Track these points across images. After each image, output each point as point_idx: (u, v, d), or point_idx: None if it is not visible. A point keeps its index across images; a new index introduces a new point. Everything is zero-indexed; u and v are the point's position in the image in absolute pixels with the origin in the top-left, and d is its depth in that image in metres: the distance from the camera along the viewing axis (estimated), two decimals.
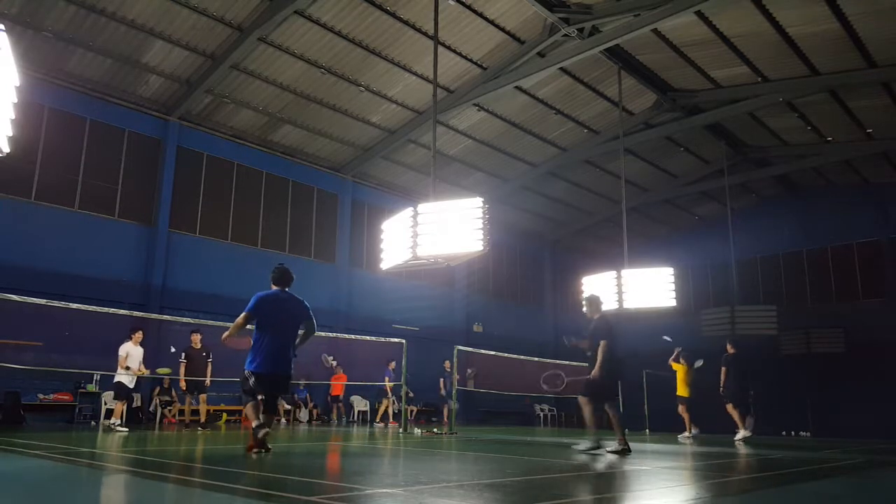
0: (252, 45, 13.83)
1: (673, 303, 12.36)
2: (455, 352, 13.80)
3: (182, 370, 12.08)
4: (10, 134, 5.43)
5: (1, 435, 8.05)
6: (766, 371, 19.25)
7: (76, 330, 11.63)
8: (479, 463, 6.61)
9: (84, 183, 14.51)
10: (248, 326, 6.49)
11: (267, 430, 6.07)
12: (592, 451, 7.55)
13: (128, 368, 10.81)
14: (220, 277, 15.93)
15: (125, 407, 11.14)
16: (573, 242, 26.50)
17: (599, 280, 12.85)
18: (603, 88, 16.58)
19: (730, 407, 12.20)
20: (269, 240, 17.50)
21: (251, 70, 14.80)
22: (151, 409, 14.53)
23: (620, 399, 17.48)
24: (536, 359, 17.61)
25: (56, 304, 10.44)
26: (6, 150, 5.48)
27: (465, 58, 15.04)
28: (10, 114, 5.36)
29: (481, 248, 8.28)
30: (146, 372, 11.55)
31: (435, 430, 13.41)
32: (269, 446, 6.31)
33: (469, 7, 13.44)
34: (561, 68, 15.13)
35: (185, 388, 12.43)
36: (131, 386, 11.19)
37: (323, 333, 12.33)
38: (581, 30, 13.44)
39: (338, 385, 16.69)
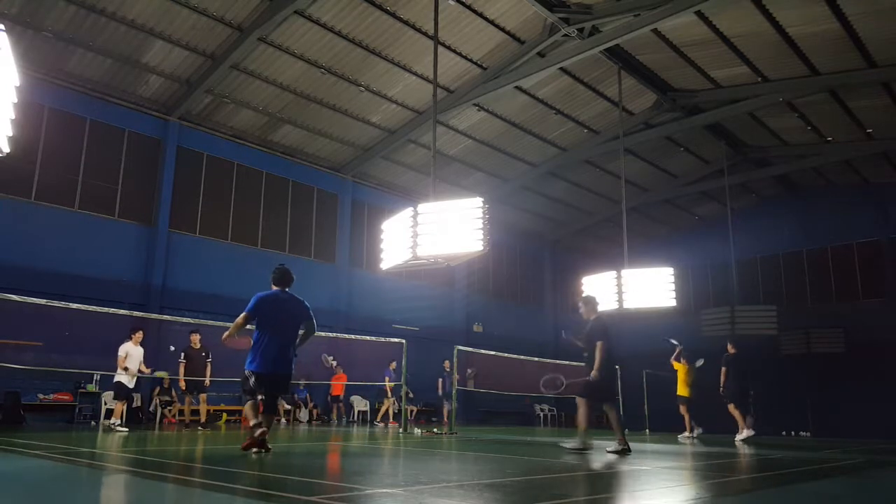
0: (252, 45, 13.83)
1: (673, 303, 12.36)
2: (455, 352, 13.79)
3: (181, 370, 12.09)
4: (10, 134, 5.43)
5: (1, 435, 8.05)
6: (766, 371, 19.25)
7: (76, 330, 11.63)
8: (479, 463, 6.61)
9: (84, 183, 14.51)
10: (249, 326, 6.50)
11: (264, 430, 6.08)
12: (579, 451, 7.57)
13: (126, 369, 10.80)
14: (220, 277, 15.94)
15: (125, 407, 11.14)
16: (573, 242, 26.50)
17: (599, 280, 12.85)
18: (603, 88, 16.58)
19: (731, 407, 12.20)
20: (269, 240, 17.50)
21: (251, 70, 14.80)
22: (151, 409, 14.53)
23: (620, 399, 17.63)
24: (536, 359, 17.58)
25: (56, 304, 10.44)
26: (6, 150, 5.48)
27: (465, 58, 15.04)
28: (10, 114, 5.36)
29: (481, 248, 8.28)
30: (149, 371, 11.56)
31: (435, 430, 13.41)
32: (269, 446, 6.32)
33: (469, 7, 13.44)
34: (561, 68, 15.13)
35: (184, 389, 12.44)
36: (131, 386, 11.19)
37: (323, 333, 12.33)
38: (581, 30, 13.44)
39: (338, 385, 16.69)
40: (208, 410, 14.62)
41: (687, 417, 13.91)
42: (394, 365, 15.28)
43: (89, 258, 14.16)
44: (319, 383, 17.02)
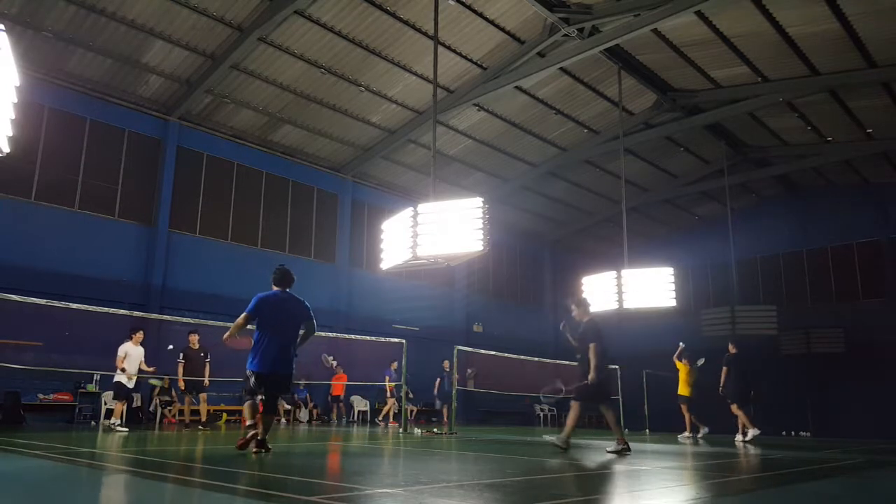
0: (252, 45, 13.83)
1: (673, 303, 12.36)
2: (455, 352, 13.79)
3: (180, 370, 12.10)
4: (10, 134, 5.43)
5: (1, 435, 8.05)
6: (766, 371, 19.25)
7: (76, 330, 11.63)
8: (479, 463, 6.61)
9: (84, 183, 14.51)
10: (249, 327, 6.53)
11: (255, 432, 6.19)
12: (558, 447, 7.57)
13: (123, 370, 10.80)
14: (220, 277, 15.94)
15: (125, 407, 11.14)
16: (573, 242, 26.50)
17: (599, 280, 12.85)
18: (603, 88, 16.58)
19: (734, 408, 12.19)
20: (269, 240, 17.50)
21: (251, 70, 14.80)
22: (151, 409, 14.52)
23: (620, 398, 17.63)
24: (536, 359, 17.59)
25: (56, 304, 10.44)
26: (6, 150, 5.48)
27: (465, 58, 15.04)
28: (10, 114, 5.36)
29: (481, 248, 8.28)
30: (152, 370, 11.58)
31: (435, 430, 13.41)
32: (269, 446, 6.34)
33: (469, 7, 13.44)
34: (561, 68, 15.13)
35: (183, 389, 12.45)
36: (130, 386, 11.19)
37: (323, 333, 12.33)
38: (581, 30, 13.44)
39: (338, 385, 16.70)
40: (208, 410, 14.65)
41: (687, 417, 13.91)
42: (395, 365, 15.28)
43: (89, 258, 14.16)
44: (319, 383, 17.02)
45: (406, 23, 13.76)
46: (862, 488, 5.53)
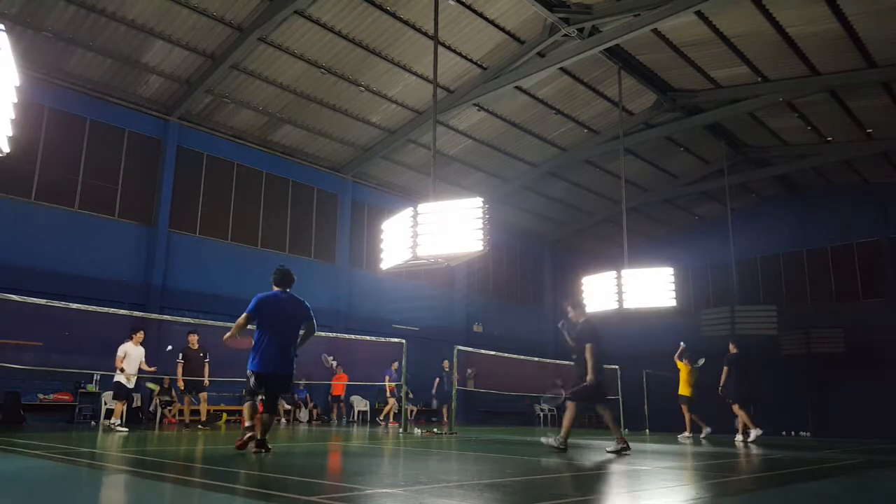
0: (252, 45, 13.83)
1: (673, 303, 12.35)
2: (455, 352, 13.79)
3: (179, 370, 12.10)
4: (10, 134, 5.43)
5: (1, 435, 8.05)
6: (767, 371, 19.27)
7: (76, 330, 11.63)
8: (479, 463, 6.61)
9: (84, 183, 14.51)
10: (250, 327, 6.55)
11: (252, 434, 6.24)
12: (556, 448, 7.58)
13: (122, 370, 10.80)
14: (220, 277, 15.94)
15: (125, 407, 11.14)
16: (573, 242, 26.50)
17: (599, 280, 12.85)
18: (603, 88, 16.58)
19: (736, 408, 12.17)
20: (269, 240, 17.50)
21: (251, 70, 14.80)
22: (151, 409, 14.52)
23: (620, 398, 17.62)
24: (536, 359, 17.59)
25: (56, 304, 10.45)
26: (6, 150, 5.47)
27: (465, 58, 15.04)
28: (10, 114, 5.35)
29: (481, 248, 8.28)
30: (152, 370, 11.59)
31: (435, 430, 13.41)
32: (269, 446, 6.35)
33: (469, 7, 13.44)
34: (561, 68, 15.13)
35: (182, 389, 12.46)
36: (130, 386, 11.19)
37: (323, 333, 12.33)
38: (581, 30, 13.44)
39: (339, 385, 16.70)
40: (208, 410, 14.64)
41: (688, 417, 13.91)
42: (395, 365, 15.27)
43: (89, 258, 14.15)
44: (319, 383, 17.02)
45: (406, 23, 13.75)
46: (862, 488, 5.53)
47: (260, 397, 6.57)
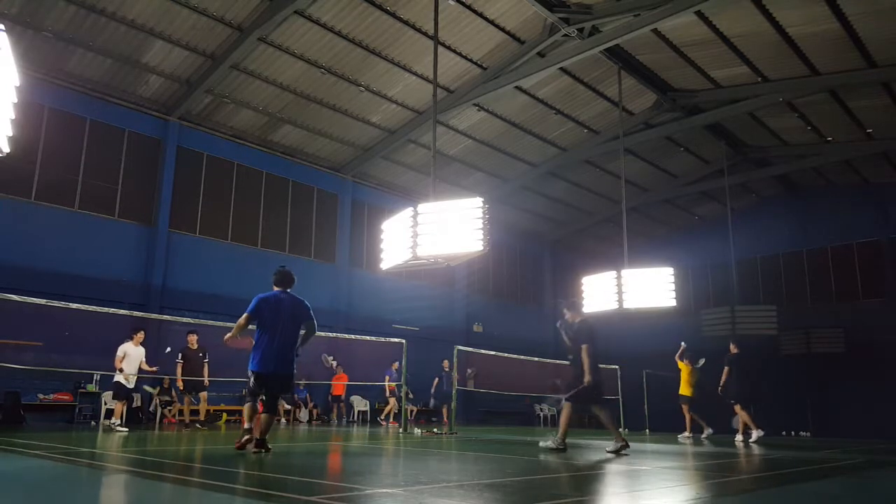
0: (252, 45, 13.83)
1: (673, 303, 12.35)
2: (455, 352, 13.79)
3: (178, 370, 12.09)
4: (10, 134, 5.43)
5: (1, 435, 8.05)
6: (767, 371, 19.26)
7: (76, 330, 11.62)
8: (479, 463, 6.61)
9: (84, 183, 14.51)
10: (251, 327, 6.57)
11: (249, 437, 6.27)
12: (554, 450, 7.59)
13: (121, 370, 10.79)
14: (220, 277, 15.94)
15: (125, 407, 11.14)
16: (573, 242, 26.50)
17: (599, 280, 12.85)
18: (603, 88, 16.58)
19: (738, 409, 12.16)
20: (269, 240, 17.50)
21: (251, 70, 14.80)
22: (151, 409, 14.52)
23: (620, 399, 17.61)
24: (536, 359, 17.59)
25: (56, 304, 10.44)
26: (6, 150, 5.47)
27: (465, 58, 15.04)
28: (10, 114, 5.35)
29: (481, 248, 8.28)
30: (154, 369, 11.61)
31: (435, 430, 13.41)
32: (269, 446, 6.36)
33: (469, 7, 13.44)
34: (561, 68, 15.13)
35: (181, 388, 12.47)
36: (130, 386, 11.19)
37: (323, 333, 12.32)
38: (581, 30, 13.44)
39: (339, 385, 16.70)
40: (208, 410, 14.63)
41: (688, 417, 13.91)
42: (396, 365, 15.25)
43: (89, 258, 14.16)
44: (319, 383, 17.03)
45: (406, 23, 13.76)
46: (862, 488, 5.53)
47: (261, 398, 6.58)
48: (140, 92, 15.20)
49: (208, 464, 5.90)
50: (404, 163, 19.43)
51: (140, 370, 11.20)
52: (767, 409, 16.46)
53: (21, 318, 11.06)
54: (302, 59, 14.56)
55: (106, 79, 14.55)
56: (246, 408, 6.61)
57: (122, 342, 11.03)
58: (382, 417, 16.62)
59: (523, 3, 13.07)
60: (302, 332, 6.62)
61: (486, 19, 13.85)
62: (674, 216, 25.02)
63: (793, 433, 20.08)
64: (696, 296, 24.44)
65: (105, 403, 12.86)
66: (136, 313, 12.32)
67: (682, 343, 14.22)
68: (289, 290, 6.71)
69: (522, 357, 16.99)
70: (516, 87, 15.91)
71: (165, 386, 14.49)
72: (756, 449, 10.17)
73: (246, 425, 6.43)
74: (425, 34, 13.89)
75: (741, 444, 11.44)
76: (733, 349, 12.63)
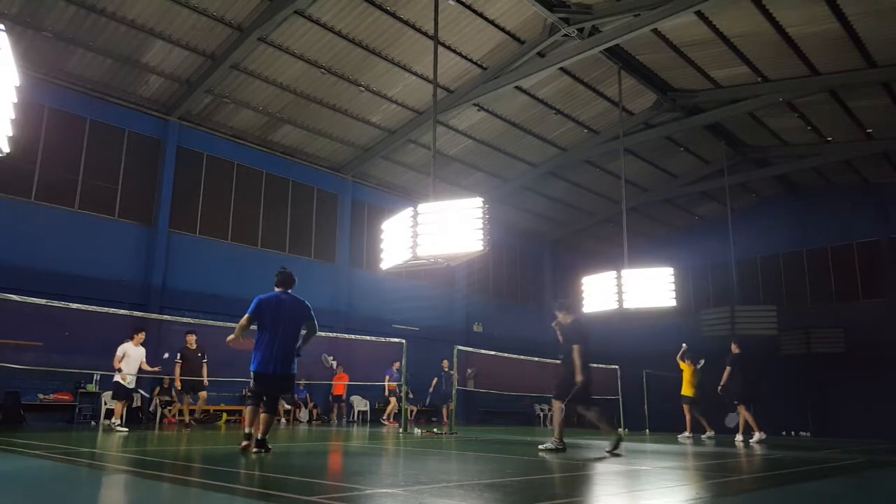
0: (252, 45, 13.83)
1: (673, 303, 12.36)
2: (455, 352, 13.79)
3: (177, 370, 12.08)
4: (10, 134, 5.43)
5: (1, 435, 8.05)
6: (767, 371, 19.26)
7: (76, 330, 11.63)
8: (479, 463, 6.62)
9: (84, 183, 14.50)
10: (252, 327, 6.59)
11: (247, 443, 6.27)
12: (553, 451, 7.60)
13: (119, 370, 10.79)
14: (220, 277, 15.94)
15: (125, 407, 11.14)
16: (573, 242, 26.50)
17: (599, 280, 12.86)
18: (603, 88, 16.58)
19: (742, 409, 12.13)
20: (269, 240, 17.49)
21: (251, 70, 14.79)
22: (151, 409, 14.52)
23: (620, 399, 17.60)
24: (536, 359, 17.59)
25: (56, 304, 10.44)
26: (6, 150, 5.47)
27: (465, 58, 15.04)
28: (10, 114, 5.35)
29: (481, 248, 8.28)
30: (156, 369, 11.61)
31: (435, 430, 13.41)
32: (269, 446, 6.36)
33: (469, 7, 13.44)
34: (561, 68, 15.13)
35: (180, 388, 12.46)
36: (131, 386, 11.18)
37: (323, 333, 12.31)
38: (581, 30, 13.44)
39: (340, 385, 16.70)
40: (208, 410, 14.64)
41: (688, 418, 13.90)
42: (397, 365, 15.24)
43: (89, 258, 14.15)
44: (319, 383, 17.03)
45: (406, 23, 13.75)
46: (862, 488, 5.53)
47: (263, 398, 6.57)
48: (140, 92, 15.19)
49: (208, 464, 5.90)
50: (404, 163, 19.43)
51: (140, 370, 11.20)
52: (767, 409, 16.46)
53: (21, 318, 11.06)
54: (302, 59, 14.56)
55: (106, 79, 14.54)
56: (247, 411, 6.58)
57: (122, 342, 11.02)
58: (384, 417, 16.62)
59: (523, 3, 13.07)
60: (303, 332, 6.65)
61: (486, 19, 13.85)
62: (674, 216, 25.02)
63: (793, 433, 20.09)
64: (696, 296, 24.44)
65: (105, 403, 12.86)
66: (136, 313, 12.32)
67: (684, 344, 14.23)
68: (289, 291, 6.74)
69: (522, 357, 16.99)
70: (516, 87, 15.91)
71: (165, 386, 14.50)
72: (756, 449, 10.18)
73: (246, 429, 6.41)
74: (425, 34, 13.89)
75: (741, 444, 11.44)
76: (735, 349, 12.63)
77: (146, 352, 11.27)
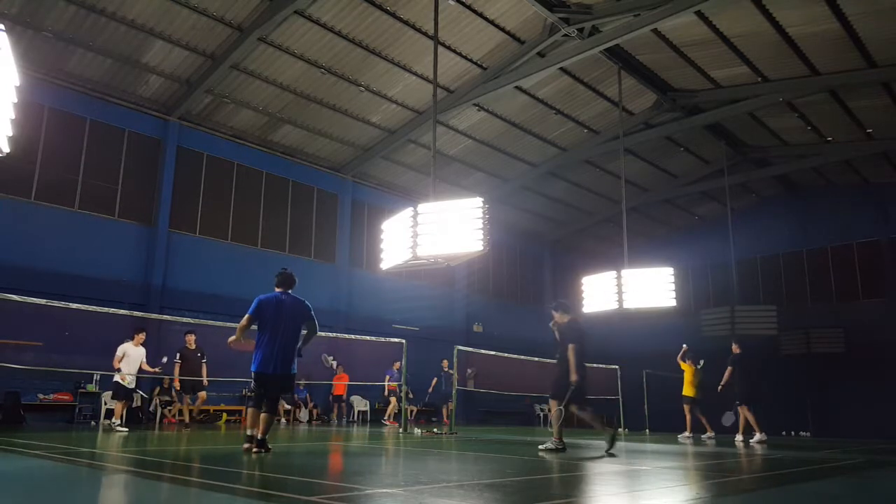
0: (252, 45, 13.83)
1: (673, 303, 12.35)
2: (455, 352, 13.80)
3: (176, 370, 12.08)
4: (10, 134, 5.43)
5: (1, 435, 8.05)
6: (767, 371, 19.26)
7: (76, 330, 11.63)
8: (479, 463, 6.62)
9: (84, 183, 14.51)
10: (253, 327, 6.61)
11: (248, 446, 6.27)
12: (553, 451, 7.61)
13: (118, 370, 10.79)
14: (220, 277, 15.94)
15: (125, 407, 11.13)
16: (573, 242, 26.50)
17: (599, 280, 12.86)
18: (603, 88, 16.58)
19: (745, 409, 12.11)
20: (269, 240, 17.49)
21: (251, 70, 14.79)
22: (151, 409, 14.53)
23: (620, 399, 17.60)
24: (536, 359, 17.59)
25: (56, 304, 10.44)
26: (6, 150, 5.47)
27: (465, 58, 15.04)
28: (10, 114, 5.35)
29: (481, 248, 8.28)
30: (157, 370, 11.59)
31: (435, 430, 13.41)
32: (269, 446, 6.37)
33: (469, 7, 13.44)
34: (561, 68, 15.13)
35: (178, 388, 12.45)
36: (131, 386, 11.18)
37: (323, 333, 12.28)
38: (581, 30, 13.44)
39: (340, 385, 16.70)
40: (208, 410, 14.64)
41: (689, 418, 13.90)
42: (398, 365, 15.23)
43: (89, 258, 14.15)
44: (319, 383, 17.03)
45: (406, 23, 13.75)
46: (862, 488, 5.53)
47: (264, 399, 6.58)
48: (140, 92, 15.19)
49: (208, 464, 5.90)
50: (404, 163, 19.43)
51: (140, 371, 11.20)
52: (767, 409, 16.46)
53: (21, 318, 11.06)
54: (302, 59, 14.56)
55: (106, 79, 14.54)
56: (249, 413, 6.59)
57: (122, 342, 11.02)
58: (386, 418, 16.61)
59: (523, 3, 13.07)
60: (303, 332, 6.66)
61: (486, 19, 13.85)
62: (674, 216, 25.02)
63: (793, 433, 20.09)
64: (696, 296, 24.45)
65: (105, 403, 12.86)
66: (136, 313, 12.31)
67: (684, 345, 14.23)
68: (290, 292, 6.76)
69: (522, 357, 16.99)
70: (516, 87, 15.91)
71: (165, 386, 14.50)
72: (756, 449, 10.17)
73: (248, 432, 6.41)
74: (425, 34, 13.89)
75: (741, 444, 11.43)
76: (736, 349, 12.61)
77: (146, 352, 11.27)
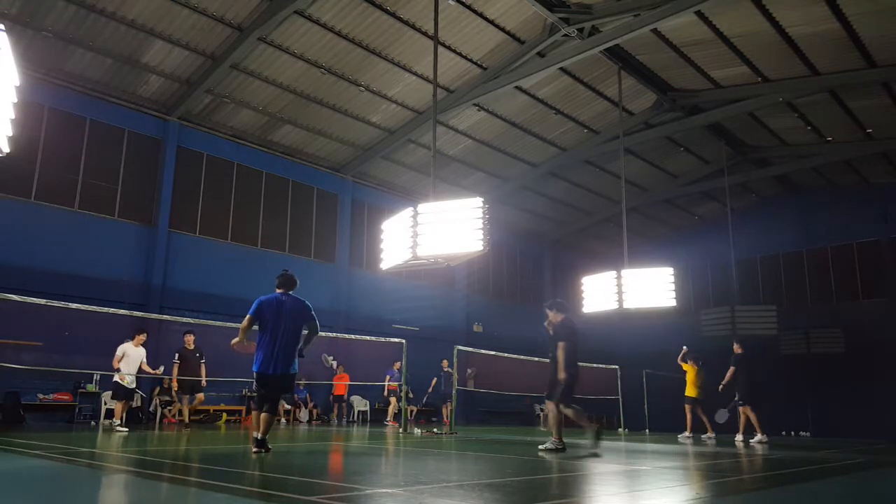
0: (252, 45, 13.83)
1: (673, 303, 12.35)
2: (455, 352, 13.80)
3: (175, 371, 12.06)
4: (10, 134, 5.43)
5: (1, 435, 8.05)
6: (767, 371, 19.27)
7: (76, 330, 11.63)
8: (479, 463, 6.62)
9: (84, 183, 14.50)
10: (254, 328, 6.62)
11: (257, 450, 6.24)
12: (553, 451, 7.61)
13: (118, 370, 10.78)
14: (220, 277, 15.94)
15: (125, 407, 11.13)
16: (573, 242, 26.50)
17: (599, 280, 12.85)
18: (603, 88, 16.58)
19: (748, 409, 12.09)
20: (269, 240, 17.49)
21: (251, 70, 14.79)
22: (151, 409, 14.53)
23: (620, 399, 17.58)
24: (536, 359, 17.58)
25: (56, 304, 10.43)
26: (6, 150, 5.47)
27: (465, 58, 15.04)
28: (10, 114, 5.35)
29: (481, 248, 8.29)
30: (158, 371, 11.60)
31: (435, 430, 13.41)
32: (269, 446, 6.37)
33: (469, 7, 13.44)
34: (561, 68, 15.12)
35: (177, 388, 12.44)
36: (131, 386, 11.17)
37: (323, 333, 12.26)
38: (581, 30, 13.44)
39: (340, 385, 16.70)
40: (207, 410, 14.63)
41: (689, 418, 13.89)
42: (398, 365, 15.22)
43: (89, 258, 14.15)
44: (319, 383, 17.03)
45: (406, 23, 13.75)
46: (862, 488, 5.53)
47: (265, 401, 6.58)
48: (140, 92, 15.19)
49: (208, 464, 5.90)
50: (404, 163, 19.43)
51: (140, 371, 11.20)
52: (767, 409, 16.47)
53: (21, 318, 11.06)
54: (302, 59, 14.56)
55: (106, 79, 14.54)
56: (257, 417, 6.57)
57: (122, 342, 11.02)
58: (389, 418, 16.59)
59: (523, 3, 13.07)
60: (304, 332, 6.67)
61: (486, 19, 13.85)
62: (674, 216, 25.02)
63: (793, 433, 20.09)
64: (696, 296, 24.45)
65: (105, 403, 12.86)
66: (136, 313, 12.31)
67: (684, 347, 14.21)
68: (291, 292, 6.77)
69: (522, 357, 16.99)
70: (516, 87, 15.91)
71: (165, 386, 14.50)
72: (756, 449, 10.17)
73: (256, 434, 6.40)
74: (425, 34, 13.89)
75: (741, 444, 11.43)
76: (737, 349, 12.60)
77: (146, 352, 11.27)
